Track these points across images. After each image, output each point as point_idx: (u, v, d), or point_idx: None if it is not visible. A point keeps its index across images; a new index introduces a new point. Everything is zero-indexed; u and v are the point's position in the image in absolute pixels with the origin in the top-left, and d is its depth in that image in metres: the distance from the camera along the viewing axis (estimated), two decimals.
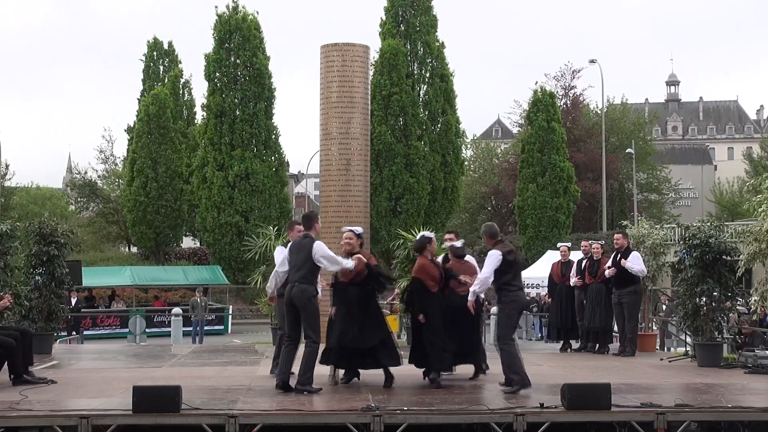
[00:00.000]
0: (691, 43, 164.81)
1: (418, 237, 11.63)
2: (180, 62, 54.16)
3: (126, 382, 10.37)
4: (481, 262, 11.03)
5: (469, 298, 10.62)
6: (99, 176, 55.66)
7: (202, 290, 30.10)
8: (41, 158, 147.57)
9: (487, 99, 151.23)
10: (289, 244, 10.66)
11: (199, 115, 47.85)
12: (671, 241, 20.82)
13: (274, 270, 10.78)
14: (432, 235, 11.34)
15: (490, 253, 10.39)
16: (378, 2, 48.11)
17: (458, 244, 11.51)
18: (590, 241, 15.88)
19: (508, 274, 10.31)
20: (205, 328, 28.52)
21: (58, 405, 9.02)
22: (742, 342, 13.31)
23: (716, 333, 13.22)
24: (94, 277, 32.29)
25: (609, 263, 14.91)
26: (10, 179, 55.15)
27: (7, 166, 54.59)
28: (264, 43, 42.74)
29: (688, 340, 14.64)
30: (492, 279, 10.29)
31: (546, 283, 18.34)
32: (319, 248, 10.10)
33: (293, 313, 10.21)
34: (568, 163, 45.38)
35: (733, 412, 9.01)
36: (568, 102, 55.25)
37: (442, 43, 44.17)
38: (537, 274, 29.64)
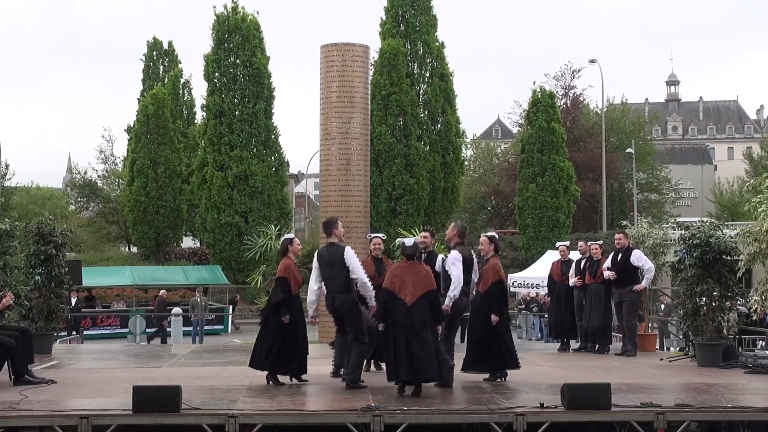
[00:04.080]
0: (691, 43, 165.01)
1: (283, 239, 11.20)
2: (180, 62, 54.23)
3: (126, 382, 10.37)
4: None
5: (445, 303, 10.41)
6: (99, 176, 55.77)
7: (202, 290, 30.09)
8: (41, 158, 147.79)
9: (487, 99, 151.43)
10: (317, 255, 10.65)
11: (199, 115, 47.92)
12: (671, 240, 20.76)
13: (310, 287, 10.68)
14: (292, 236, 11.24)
15: (452, 254, 10.53)
16: (378, 2, 48.07)
17: (409, 242, 10.59)
18: (589, 242, 15.90)
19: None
20: (205, 328, 28.51)
21: (58, 405, 9.02)
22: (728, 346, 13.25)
23: (716, 333, 13.22)
24: (94, 277, 32.30)
25: (608, 263, 14.92)
26: (10, 179, 55.23)
27: (7, 166, 54.68)
28: (263, 43, 42.75)
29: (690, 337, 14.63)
30: (462, 279, 10.41)
31: (546, 282, 18.36)
32: (351, 259, 10.29)
33: (339, 319, 10.58)
34: (568, 162, 45.37)
35: (733, 412, 9.01)
36: (568, 102, 55.23)
37: (442, 43, 44.16)
38: (537, 274, 29.66)
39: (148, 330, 27.46)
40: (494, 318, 10.97)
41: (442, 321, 10.37)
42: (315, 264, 10.59)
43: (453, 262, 10.48)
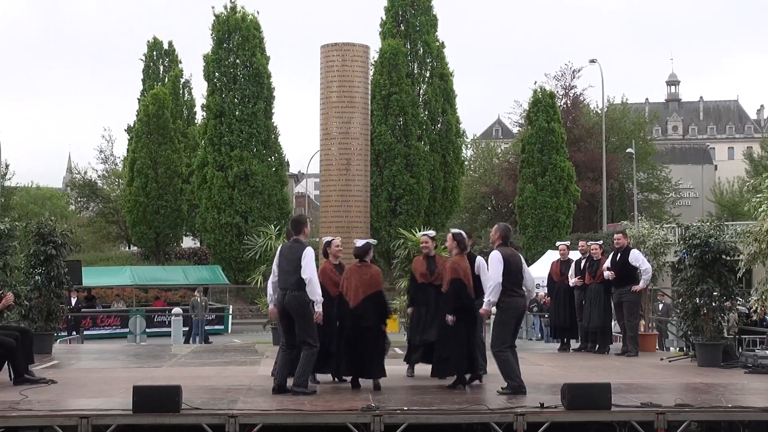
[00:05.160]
0: (691, 43, 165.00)
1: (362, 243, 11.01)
2: (180, 62, 54.27)
3: (126, 382, 10.37)
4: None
5: (484, 307, 10.10)
6: (99, 176, 55.75)
7: (202, 290, 30.08)
8: (41, 158, 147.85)
9: (487, 99, 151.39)
10: (279, 249, 10.40)
11: (199, 115, 47.93)
12: (671, 241, 20.75)
13: (270, 280, 10.58)
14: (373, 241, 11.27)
15: (492, 254, 10.08)
16: (378, 2, 48.13)
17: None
18: (589, 242, 15.89)
19: (507, 278, 9.97)
20: (206, 328, 28.50)
21: (58, 405, 9.02)
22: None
23: (716, 333, 13.21)
24: (94, 277, 32.30)
25: (608, 263, 14.92)
26: (10, 179, 55.24)
27: (7, 166, 54.68)
28: (263, 43, 42.75)
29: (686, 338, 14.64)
30: (500, 280, 9.88)
31: (546, 282, 18.37)
32: (307, 257, 9.85)
33: (287, 320, 10.05)
34: (569, 162, 45.39)
35: (733, 412, 9.01)
36: (568, 102, 55.24)
37: (442, 43, 44.17)
38: (537, 274, 29.51)
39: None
40: (449, 318, 10.43)
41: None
42: (276, 258, 10.33)
43: (490, 262, 10.04)
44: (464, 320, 10.48)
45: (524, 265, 10.39)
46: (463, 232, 11.15)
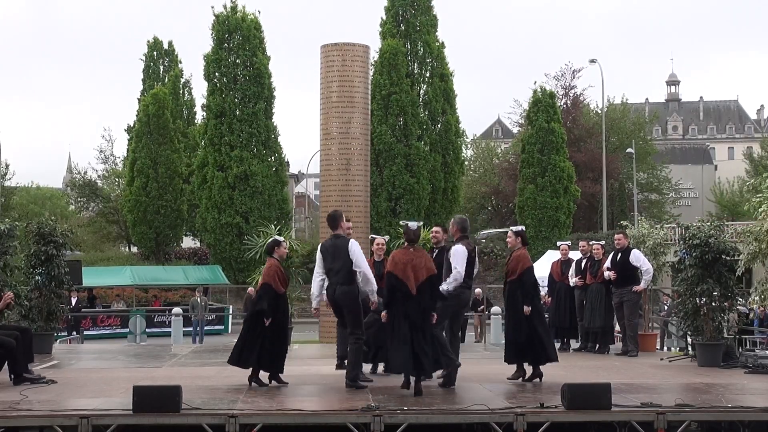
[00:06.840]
0: (691, 43, 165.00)
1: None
2: (180, 62, 54.29)
3: (126, 382, 10.38)
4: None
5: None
6: (99, 176, 55.76)
7: (202, 290, 30.09)
8: (41, 158, 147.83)
9: (487, 99, 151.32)
10: (320, 247, 10.68)
11: (199, 115, 47.94)
12: (671, 241, 20.82)
13: (314, 279, 10.68)
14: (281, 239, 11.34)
15: (456, 248, 10.39)
16: (378, 2, 48.19)
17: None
18: (591, 242, 15.90)
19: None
20: (206, 328, 28.52)
21: (58, 405, 9.03)
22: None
23: (716, 333, 13.22)
24: (94, 277, 32.31)
25: (608, 263, 14.92)
26: (10, 179, 55.28)
27: (7, 166, 54.72)
28: (264, 43, 42.75)
29: (688, 339, 14.65)
30: (463, 273, 10.27)
31: (546, 282, 18.36)
32: (355, 251, 10.24)
33: (339, 311, 10.48)
34: (569, 162, 45.39)
35: (733, 412, 9.02)
36: (569, 102, 55.23)
37: (442, 43, 44.16)
38: (537, 273, 29.50)
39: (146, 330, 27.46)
40: (527, 309, 11.01)
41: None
42: (318, 255, 10.59)
43: (456, 255, 10.38)
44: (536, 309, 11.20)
45: (476, 260, 10.81)
46: (523, 228, 11.74)
